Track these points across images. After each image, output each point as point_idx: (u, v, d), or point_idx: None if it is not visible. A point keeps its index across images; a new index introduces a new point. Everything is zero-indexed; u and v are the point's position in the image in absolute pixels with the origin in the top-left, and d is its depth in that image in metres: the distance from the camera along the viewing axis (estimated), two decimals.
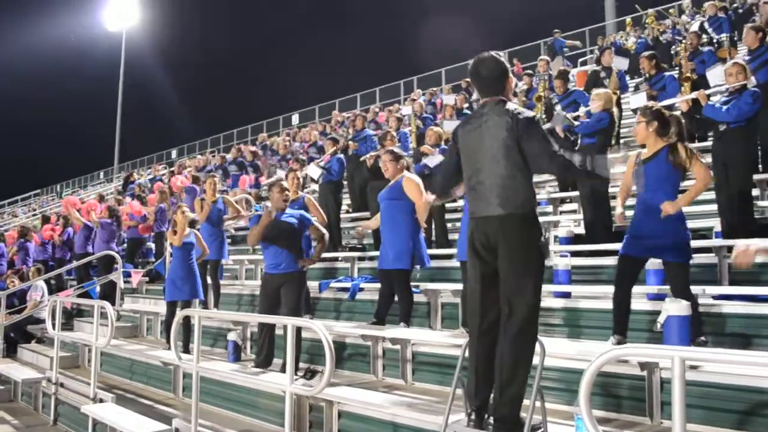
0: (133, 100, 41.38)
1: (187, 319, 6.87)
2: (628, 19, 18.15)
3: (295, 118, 25.28)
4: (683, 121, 4.59)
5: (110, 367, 8.14)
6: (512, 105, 3.54)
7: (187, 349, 6.97)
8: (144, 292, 10.72)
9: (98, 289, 10.17)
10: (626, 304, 4.45)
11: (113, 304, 9.05)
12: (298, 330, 5.67)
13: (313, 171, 9.58)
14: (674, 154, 4.40)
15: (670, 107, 5.76)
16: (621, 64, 9.14)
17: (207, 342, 7.67)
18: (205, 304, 8.08)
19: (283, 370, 5.26)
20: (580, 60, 18.64)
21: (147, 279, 10.77)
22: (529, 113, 3.54)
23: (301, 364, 6.05)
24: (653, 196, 4.43)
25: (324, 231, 6.26)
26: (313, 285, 7.51)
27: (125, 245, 11.80)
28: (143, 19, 39.93)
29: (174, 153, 34.02)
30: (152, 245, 12.23)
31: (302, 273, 6.05)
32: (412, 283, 6.00)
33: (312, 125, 17.71)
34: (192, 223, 7.57)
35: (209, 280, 8.16)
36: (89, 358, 7.93)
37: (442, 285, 6.36)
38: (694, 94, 6.23)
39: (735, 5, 14.18)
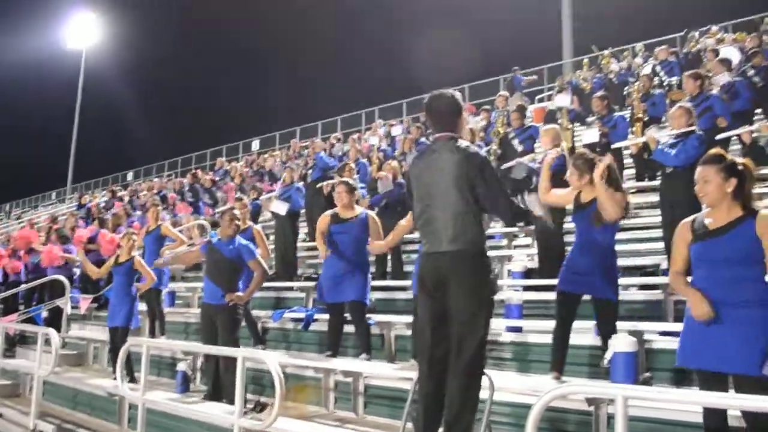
0: (90, 119, 40.63)
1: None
2: (585, 59, 18.67)
3: (255, 144, 25.16)
4: (614, 166, 4.70)
5: (53, 397, 7.83)
6: (464, 142, 3.60)
7: (131, 378, 6.78)
8: (92, 319, 10.42)
9: (44, 314, 9.84)
10: (564, 340, 4.54)
11: (59, 330, 8.77)
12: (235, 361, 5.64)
13: (279, 207, 9.50)
14: None
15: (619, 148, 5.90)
16: (563, 101, 9.31)
17: (152, 371, 7.48)
18: (152, 333, 7.93)
19: (232, 402, 5.17)
20: (537, 97, 19.09)
21: (96, 305, 10.47)
22: (481, 152, 3.63)
23: (251, 396, 5.95)
24: (589, 237, 4.56)
25: (264, 267, 6.23)
26: (265, 314, 7.44)
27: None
28: (104, 39, 39.52)
29: (130, 175, 33.41)
30: None
31: (228, 308, 5.92)
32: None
33: (270, 153, 17.64)
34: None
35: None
36: (31, 386, 7.65)
37: (396, 317, 6.35)
38: (644, 138, 6.40)
39: (685, 50, 14.76)
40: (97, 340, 9.04)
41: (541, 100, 18.14)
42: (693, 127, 5.76)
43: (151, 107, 50.78)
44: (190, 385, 6.70)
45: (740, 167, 3.26)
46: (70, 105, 38.92)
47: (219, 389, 5.85)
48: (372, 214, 6.17)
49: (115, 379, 6.25)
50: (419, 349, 3.63)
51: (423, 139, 11.74)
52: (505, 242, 8.38)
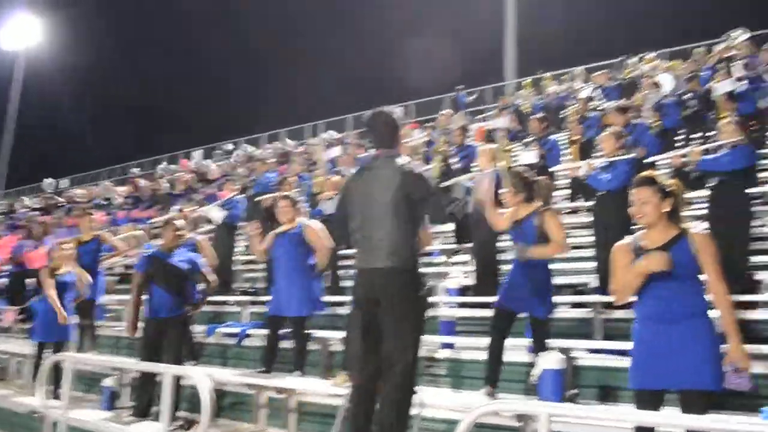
0: (26, 123, 39.08)
1: (57, 363, 6.44)
2: (527, 80, 19.08)
3: (197, 155, 24.63)
4: (552, 185, 4.84)
5: None
6: (403, 159, 3.65)
7: (56, 395, 6.50)
8: (16, 331, 9.97)
9: None
10: (500, 355, 4.60)
11: None
12: (178, 377, 5.45)
13: (215, 213, 9.32)
14: (540, 222, 4.65)
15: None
16: (499, 123, 9.48)
17: (81, 388, 7.21)
18: (79, 347, 7.62)
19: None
20: (478, 117, 19.42)
21: (21, 317, 10.00)
22: (419, 168, 3.68)
23: (183, 413, 5.79)
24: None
25: (214, 277, 6.12)
26: (200, 329, 7.27)
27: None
28: (44, 41, 38.14)
29: (66, 182, 32.21)
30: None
31: (185, 319, 5.82)
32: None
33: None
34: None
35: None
36: None
37: (332, 333, 6.30)
38: (582, 163, 6.54)
39: (621, 76, 15.26)
40: (21, 354, 8.64)
41: (483, 120, 18.43)
42: (627, 156, 5.92)
43: (91, 113, 49.29)
44: (116, 402, 6.47)
45: (671, 188, 3.37)
46: (3, 108, 37.42)
47: (150, 406, 5.65)
48: (308, 222, 6.03)
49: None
50: (351, 364, 3.62)
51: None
52: (442, 259, 8.44)
